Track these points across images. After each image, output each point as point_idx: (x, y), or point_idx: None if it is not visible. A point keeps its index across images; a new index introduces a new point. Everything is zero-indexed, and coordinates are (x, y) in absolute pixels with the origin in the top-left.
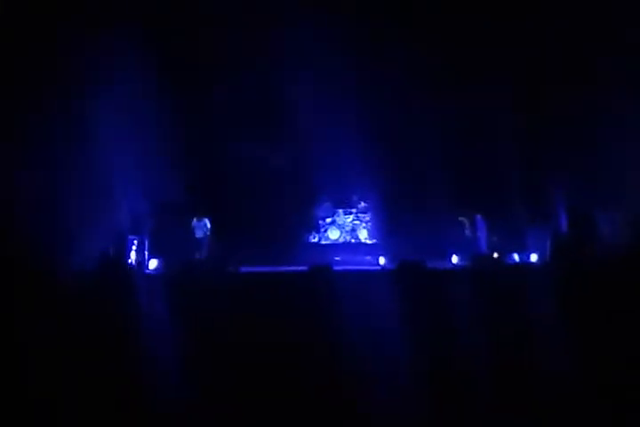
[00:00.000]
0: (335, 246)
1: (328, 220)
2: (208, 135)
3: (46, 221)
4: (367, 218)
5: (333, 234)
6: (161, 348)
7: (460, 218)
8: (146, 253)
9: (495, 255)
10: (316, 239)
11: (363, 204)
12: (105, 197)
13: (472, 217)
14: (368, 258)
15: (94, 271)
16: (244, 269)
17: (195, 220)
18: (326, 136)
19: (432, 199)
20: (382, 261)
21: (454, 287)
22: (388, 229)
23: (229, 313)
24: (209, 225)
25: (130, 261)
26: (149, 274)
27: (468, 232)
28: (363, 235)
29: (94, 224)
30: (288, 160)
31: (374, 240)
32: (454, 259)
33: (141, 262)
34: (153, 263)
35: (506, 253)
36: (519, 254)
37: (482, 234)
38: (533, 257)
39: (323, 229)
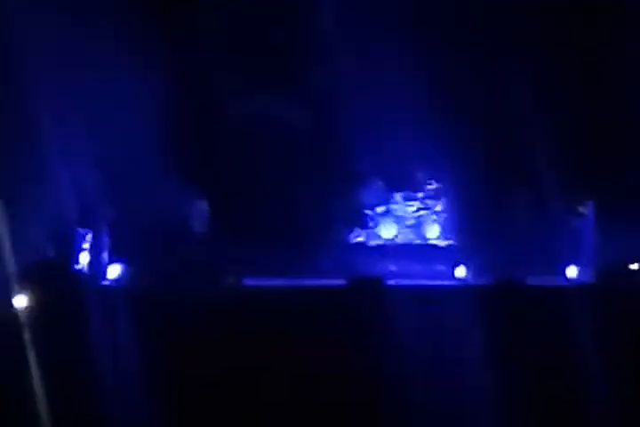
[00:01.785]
0: (390, 249)
1: (379, 209)
2: (197, 84)
3: None
4: (440, 207)
5: (387, 231)
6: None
7: (581, 209)
8: (104, 255)
9: (635, 267)
10: (360, 239)
11: (433, 185)
12: (39, 170)
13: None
14: (440, 268)
15: (24, 283)
16: (248, 282)
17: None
18: (373, 81)
19: (540, 181)
20: (462, 272)
21: (574, 318)
22: (471, 224)
23: (229, 352)
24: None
25: (79, 266)
26: (108, 287)
27: (591, 230)
28: (432, 233)
29: (22, 211)
30: (313, 119)
31: (450, 241)
32: (571, 272)
33: (96, 269)
34: (114, 271)
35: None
36: None
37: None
38: None
39: (371, 224)
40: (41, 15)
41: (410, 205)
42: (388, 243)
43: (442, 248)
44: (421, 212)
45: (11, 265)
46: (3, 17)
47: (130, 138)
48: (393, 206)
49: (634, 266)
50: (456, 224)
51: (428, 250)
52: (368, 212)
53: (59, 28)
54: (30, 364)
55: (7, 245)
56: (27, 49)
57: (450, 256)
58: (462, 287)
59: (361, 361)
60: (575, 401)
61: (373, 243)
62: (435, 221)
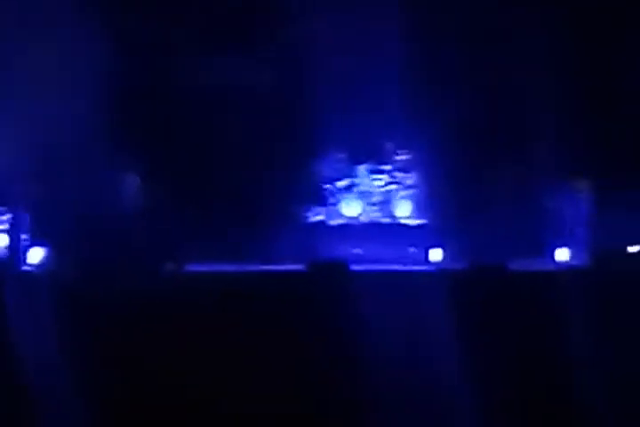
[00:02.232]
0: (354, 229)
1: (342, 183)
2: (144, 38)
3: None
4: (410, 181)
5: (351, 208)
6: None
7: (576, 183)
8: (23, 236)
9: (633, 249)
10: (320, 217)
11: (403, 156)
12: None
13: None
14: (411, 250)
15: None
16: (191, 268)
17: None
18: (335, 37)
19: (527, 152)
20: (436, 255)
21: (563, 305)
22: (447, 201)
23: (168, 349)
24: (137, 188)
25: None
26: (29, 272)
27: (585, 209)
28: (402, 210)
29: None
30: (271, 79)
31: (422, 220)
32: (561, 254)
33: (15, 253)
34: (36, 254)
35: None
36: None
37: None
38: None
39: (332, 200)
40: None
41: (376, 179)
42: (352, 222)
43: (413, 228)
44: (389, 186)
45: None
46: None
47: (56, 103)
48: (356, 180)
49: (633, 249)
50: (429, 201)
51: (397, 230)
52: (328, 186)
53: None
54: None
55: None
56: None
57: (422, 237)
58: (437, 273)
59: (322, 359)
60: (567, 397)
61: (334, 222)
62: (405, 197)
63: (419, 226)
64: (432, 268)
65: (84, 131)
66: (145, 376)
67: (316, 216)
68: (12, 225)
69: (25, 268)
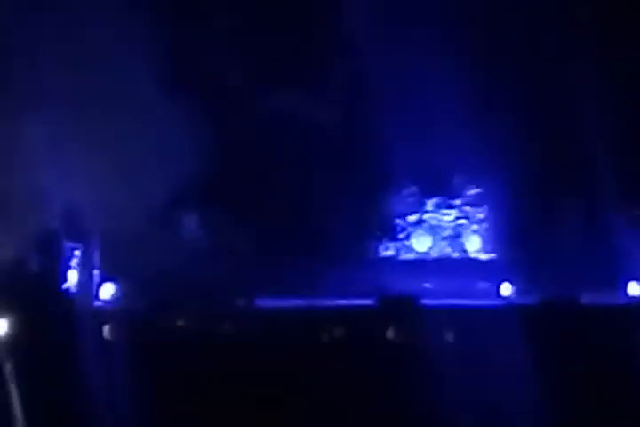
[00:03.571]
0: (424, 264)
1: (412, 218)
2: (214, 76)
3: None
4: (480, 215)
5: (421, 243)
6: None
7: None
8: (95, 272)
9: None
10: (390, 252)
11: (473, 191)
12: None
13: None
14: (482, 285)
15: (3, 304)
16: (262, 303)
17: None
18: (407, 80)
19: (596, 187)
20: (507, 290)
21: (636, 340)
22: (517, 235)
23: (241, 383)
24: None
25: (67, 285)
26: (102, 308)
27: None
28: (472, 245)
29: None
30: (341, 115)
31: (493, 255)
32: (634, 288)
33: (87, 288)
34: (108, 290)
35: None
36: None
37: None
38: None
39: (403, 235)
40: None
41: (446, 214)
42: (422, 257)
43: (483, 263)
44: (460, 221)
45: None
46: None
47: (129, 144)
48: (427, 215)
49: None
50: (499, 235)
51: (467, 265)
52: (399, 221)
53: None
54: (11, 400)
55: None
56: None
57: (493, 272)
58: (508, 307)
59: (392, 394)
60: None
61: (405, 257)
62: (475, 231)
63: (489, 261)
64: (503, 302)
65: (159, 173)
66: (217, 413)
67: (387, 251)
68: (83, 261)
69: (97, 303)
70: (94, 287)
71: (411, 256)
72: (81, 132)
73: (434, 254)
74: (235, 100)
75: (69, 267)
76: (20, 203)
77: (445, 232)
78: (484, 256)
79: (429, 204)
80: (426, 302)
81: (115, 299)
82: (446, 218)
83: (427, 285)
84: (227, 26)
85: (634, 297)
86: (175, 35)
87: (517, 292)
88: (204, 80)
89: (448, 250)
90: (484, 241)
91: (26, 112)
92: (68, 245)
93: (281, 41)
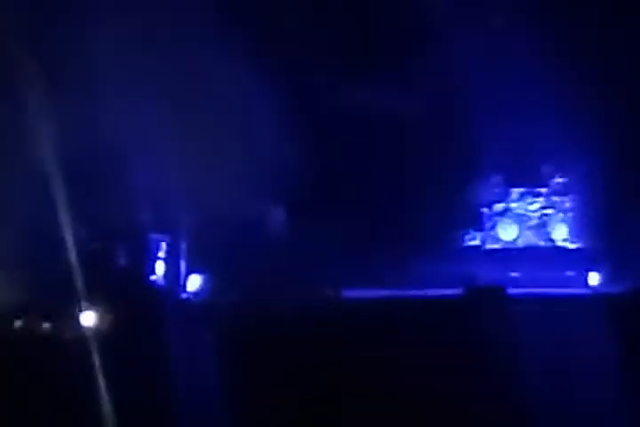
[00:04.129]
0: (511, 253)
1: (498, 207)
2: (297, 73)
3: None
4: (567, 204)
5: (508, 232)
6: None
7: None
8: (182, 264)
9: None
10: (476, 241)
11: (559, 179)
12: (107, 169)
13: None
14: (570, 274)
15: (91, 297)
16: (348, 294)
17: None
18: (493, 66)
19: None
20: (595, 279)
21: None
22: (605, 223)
23: (328, 373)
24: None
25: (155, 277)
26: (190, 301)
27: None
28: (559, 234)
29: (86, 214)
30: (427, 104)
31: (580, 243)
32: None
33: (174, 280)
34: (195, 282)
35: None
36: None
37: None
38: None
39: (489, 225)
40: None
41: (532, 203)
42: (509, 246)
43: (571, 251)
44: (546, 210)
45: (75, 277)
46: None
47: (219, 137)
48: (513, 204)
49: None
50: (587, 224)
51: (554, 254)
52: (484, 210)
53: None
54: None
55: (71, 255)
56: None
57: (580, 260)
58: (596, 296)
59: (479, 383)
60: None
61: (491, 246)
62: (562, 220)
63: (576, 249)
64: (591, 291)
65: (242, 165)
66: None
67: (473, 240)
68: (169, 253)
69: (184, 295)
70: (181, 279)
71: (497, 246)
72: (173, 124)
73: (520, 244)
74: (321, 93)
75: (157, 259)
76: (108, 195)
77: (532, 221)
78: (571, 245)
79: (515, 193)
80: (512, 291)
81: (202, 291)
82: (532, 207)
83: (513, 274)
84: (312, 18)
85: None
86: (259, 29)
87: (605, 280)
88: (291, 75)
89: (534, 239)
90: (571, 230)
91: (123, 100)
92: (156, 237)
93: (366, 33)
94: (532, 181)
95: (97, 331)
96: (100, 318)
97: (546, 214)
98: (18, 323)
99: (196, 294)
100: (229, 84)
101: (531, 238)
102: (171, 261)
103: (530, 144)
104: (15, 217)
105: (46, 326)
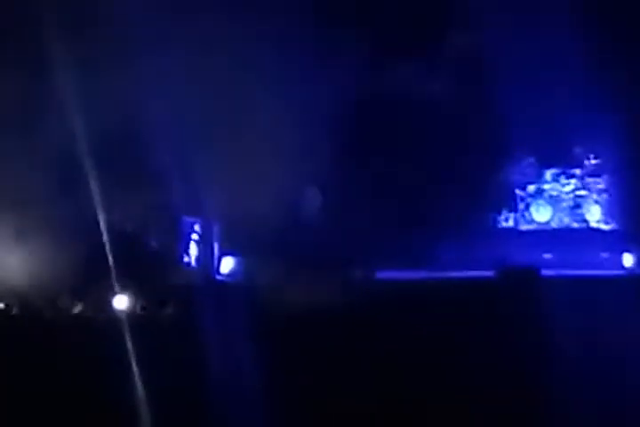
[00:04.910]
0: (544, 235)
1: (531, 188)
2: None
3: None
4: (601, 186)
5: (541, 213)
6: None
7: None
8: (215, 246)
9: None
10: (510, 223)
11: (593, 160)
12: (140, 151)
13: None
14: (604, 256)
15: (124, 280)
16: (381, 275)
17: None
18: (523, 47)
19: None
20: (629, 260)
21: None
22: (638, 205)
23: (357, 355)
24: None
25: (187, 260)
26: (224, 282)
27: None
28: (593, 215)
29: (119, 196)
30: (455, 89)
31: (614, 225)
32: None
33: (207, 263)
34: (228, 264)
35: None
36: None
37: None
38: None
39: (522, 206)
40: None
41: (566, 184)
42: (542, 227)
43: (605, 233)
44: (580, 191)
45: (109, 260)
46: None
47: (251, 119)
48: (546, 185)
49: None
50: (621, 205)
51: (588, 235)
52: (518, 192)
53: None
54: (134, 375)
55: (105, 237)
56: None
57: (614, 242)
58: (631, 278)
59: (512, 366)
60: None
61: (525, 227)
62: (596, 201)
63: (610, 231)
64: (625, 272)
65: (275, 148)
66: (331, 382)
67: (507, 222)
68: (202, 235)
69: (218, 277)
70: (214, 261)
71: (530, 227)
72: (206, 109)
73: (554, 225)
74: (348, 79)
75: (189, 241)
76: (140, 177)
77: (565, 203)
78: (604, 226)
79: (548, 174)
80: (546, 272)
81: (235, 273)
82: (566, 188)
83: (547, 255)
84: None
85: None
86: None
87: (639, 262)
88: (322, 60)
89: (568, 220)
90: (605, 211)
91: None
92: (188, 219)
93: (395, 17)
94: (565, 162)
95: (130, 314)
96: (133, 301)
97: (580, 196)
98: (52, 306)
99: (229, 276)
100: (260, 74)
101: (564, 220)
102: (204, 244)
103: (563, 125)
104: (47, 201)
105: (80, 308)
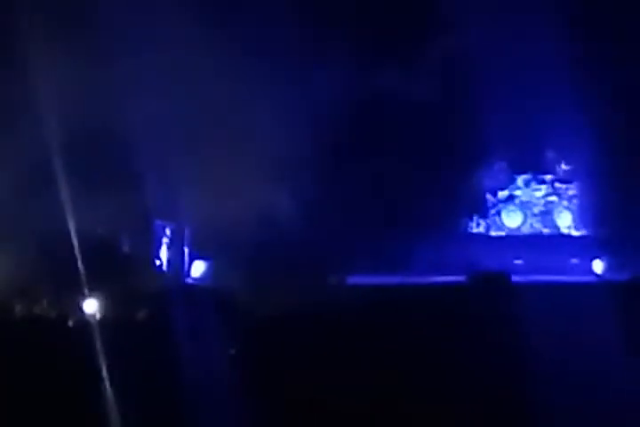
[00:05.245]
0: (515, 240)
1: (502, 194)
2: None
3: None
4: (572, 192)
5: (512, 219)
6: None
7: None
8: (186, 250)
9: None
10: (481, 228)
11: (564, 166)
12: (113, 155)
13: None
14: (574, 261)
15: (95, 284)
16: (352, 280)
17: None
18: (498, 55)
19: None
20: (599, 266)
21: None
22: (609, 211)
23: (333, 360)
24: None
25: (159, 263)
26: (194, 286)
27: None
28: (564, 221)
29: (91, 200)
30: (433, 91)
31: (584, 231)
32: None
33: (177, 266)
34: (199, 268)
35: None
36: None
37: None
38: None
39: (493, 211)
40: None
41: (537, 190)
42: (513, 233)
43: (575, 239)
44: (551, 197)
45: (78, 263)
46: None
47: (220, 125)
48: (518, 191)
49: None
50: (592, 211)
51: (559, 241)
52: (489, 197)
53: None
54: (105, 379)
55: (74, 240)
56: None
57: (585, 248)
58: (600, 284)
59: (483, 370)
60: None
61: (495, 233)
62: (566, 207)
63: (581, 237)
64: (595, 278)
65: (250, 152)
66: (306, 388)
67: (478, 227)
68: (173, 239)
69: (188, 281)
70: (185, 265)
71: (501, 232)
72: (181, 112)
73: (525, 231)
74: (328, 82)
75: (161, 245)
76: (112, 180)
77: (536, 208)
78: (575, 232)
79: (520, 180)
80: (517, 278)
81: (205, 276)
82: (537, 194)
83: (518, 261)
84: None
85: None
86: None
87: (609, 268)
88: (303, 65)
89: (538, 226)
90: (576, 217)
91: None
92: (160, 223)
93: (379, 21)
94: (536, 168)
95: (100, 318)
96: (104, 305)
97: (550, 202)
98: (20, 309)
99: (199, 279)
100: (243, 78)
101: (535, 226)
102: (175, 247)
103: (534, 131)
104: (19, 204)
105: (49, 312)
